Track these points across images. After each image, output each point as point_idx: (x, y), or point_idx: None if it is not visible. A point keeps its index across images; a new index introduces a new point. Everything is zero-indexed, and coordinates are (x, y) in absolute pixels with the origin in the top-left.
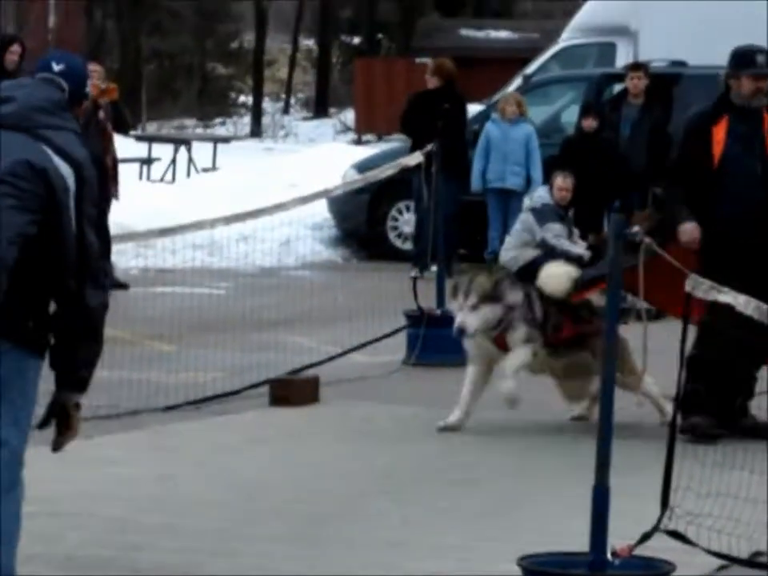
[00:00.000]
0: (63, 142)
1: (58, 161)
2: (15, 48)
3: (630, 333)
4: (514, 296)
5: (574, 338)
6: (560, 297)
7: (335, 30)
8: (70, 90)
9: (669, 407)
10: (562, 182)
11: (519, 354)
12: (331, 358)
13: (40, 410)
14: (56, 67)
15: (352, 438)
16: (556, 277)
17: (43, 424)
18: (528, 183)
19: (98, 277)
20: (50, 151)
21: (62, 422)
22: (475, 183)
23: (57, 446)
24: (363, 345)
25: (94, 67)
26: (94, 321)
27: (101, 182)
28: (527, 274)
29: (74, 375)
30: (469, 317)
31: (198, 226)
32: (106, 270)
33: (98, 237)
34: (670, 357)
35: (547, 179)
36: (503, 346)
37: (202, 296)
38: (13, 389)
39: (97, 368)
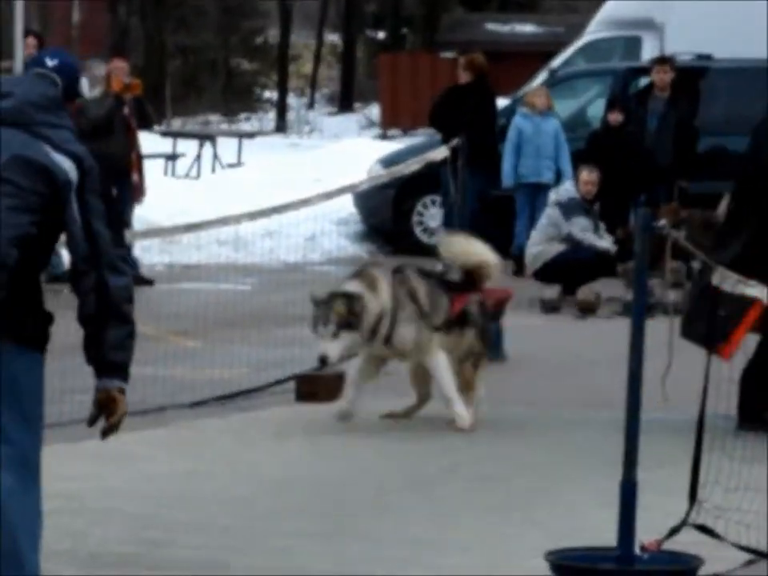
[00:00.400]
0: (61, 139)
1: (58, 156)
2: (30, 41)
3: (657, 327)
4: (374, 307)
5: (462, 313)
6: (462, 261)
7: (360, 25)
8: (64, 86)
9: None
10: (588, 176)
11: (443, 373)
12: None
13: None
14: (50, 63)
15: (377, 433)
16: (460, 243)
17: (92, 420)
18: (558, 177)
19: (115, 264)
20: (48, 148)
21: (108, 409)
22: (507, 179)
23: (105, 434)
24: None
25: (118, 63)
26: (116, 303)
27: (124, 178)
28: (553, 268)
29: (107, 359)
30: (330, 346)
31: (222, 221)
32: (125, 257)
33: (108, 227)
34: (696, 351)
35: (574, 172)
36: (389, 345)
37: (227, 292)
38: (20, 388)
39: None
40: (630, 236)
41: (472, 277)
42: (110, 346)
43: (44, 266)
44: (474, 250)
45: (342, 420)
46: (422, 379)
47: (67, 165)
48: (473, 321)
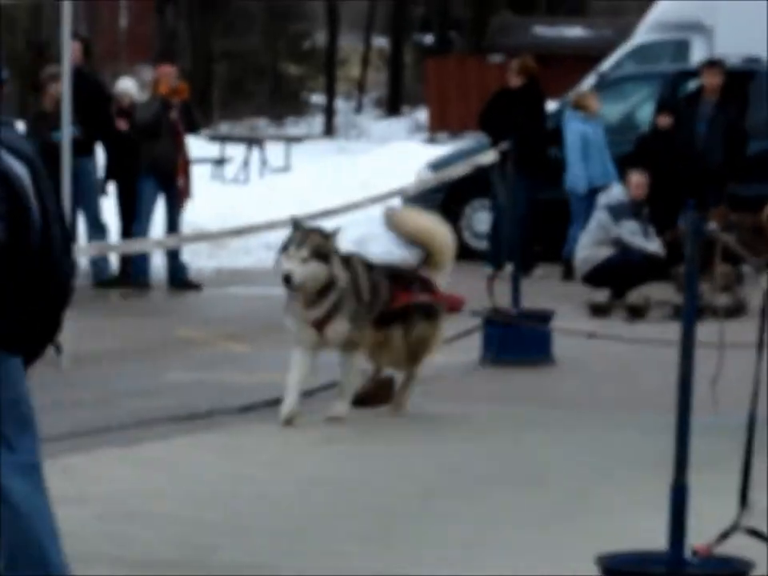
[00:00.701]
0: (10, 138)
1: (11, 161)
2: (75, 46)
3: (707, 331)
4: (339, 268)
5: (401, 309)
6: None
7: (407, 29)
8: None
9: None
10: (638, 179)
11: (354, 372)
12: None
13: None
14: None
15: (426, 437)
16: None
17: None
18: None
19: (58, 273)
20: (2, 151)
21: None
22: (581, 186)
23: None
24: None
25: (167, 68)
26: (52, 318)
27: (170, 181)
28: (602, 272)
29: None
30: (298, 267)
31: (270, 226)
32: (71, 264)
33: (61, 230)
34: (746, 354)
35: (622, 177)
36: (321, 329)
37: (275, 296)
38: (7, 392)
39: (172, 369)
40: (678, 239)
41: (424, 262)
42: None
43: (22, 271)
44: (424, 223)
45: (287, 424)
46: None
47: (21, 170)
48: (412, 320)
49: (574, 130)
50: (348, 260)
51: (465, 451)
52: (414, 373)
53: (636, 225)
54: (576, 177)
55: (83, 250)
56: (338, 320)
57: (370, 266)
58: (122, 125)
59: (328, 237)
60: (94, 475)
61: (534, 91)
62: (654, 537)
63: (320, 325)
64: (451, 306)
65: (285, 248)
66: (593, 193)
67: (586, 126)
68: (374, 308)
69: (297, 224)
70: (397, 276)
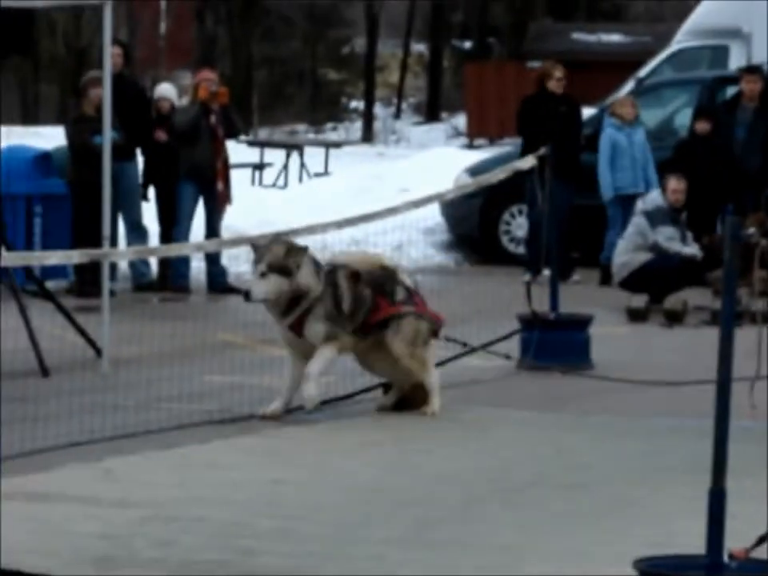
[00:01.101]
0: None
1: None
2: (115, 51)
3: (744, 336)
4: (308, 278)
5: (386, 318)
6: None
7: (446, 35)
8: None
9: (436, 404)
10: (676, 184)
11: (322, 357)
12: (444, 362)
13: None
14: None
15: (465, 441)
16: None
17: None
18: (647, 187)
19: None
20: None
21: None
22: (607, 193)
23: None
24: (476, 348)
25: (208, 74)
26: None
27: (210, 186)
28: (640, 277)
29: None
30: (257, 284)
31: (309, 230)
32: None
33: None
34: None
35: (660, 182)
36: (300, 333)
37: None
38: None
39: (211, 373)
40: (715, 244)
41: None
42: None
43: None
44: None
45: (265, 418)
46: (379, 365)
47: None
48: (394, 330)
49: (606, 136)
50: (333, 271)
51: (504, 456)
52: (426, 379)
53: (674, 230)
54: (603, 183)
55: (123, 254)
56: (312, 322)
57: (357, 278)
58: (161, 135)
59: (291, 250)
60: (135, 478)
61: (571, 97)
62: (692, 541)
63: (296, 328)
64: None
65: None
66: (629, 199)
67: (619, 132)
68: (355, 317)
69: (256, 245)
70: (382, 287)
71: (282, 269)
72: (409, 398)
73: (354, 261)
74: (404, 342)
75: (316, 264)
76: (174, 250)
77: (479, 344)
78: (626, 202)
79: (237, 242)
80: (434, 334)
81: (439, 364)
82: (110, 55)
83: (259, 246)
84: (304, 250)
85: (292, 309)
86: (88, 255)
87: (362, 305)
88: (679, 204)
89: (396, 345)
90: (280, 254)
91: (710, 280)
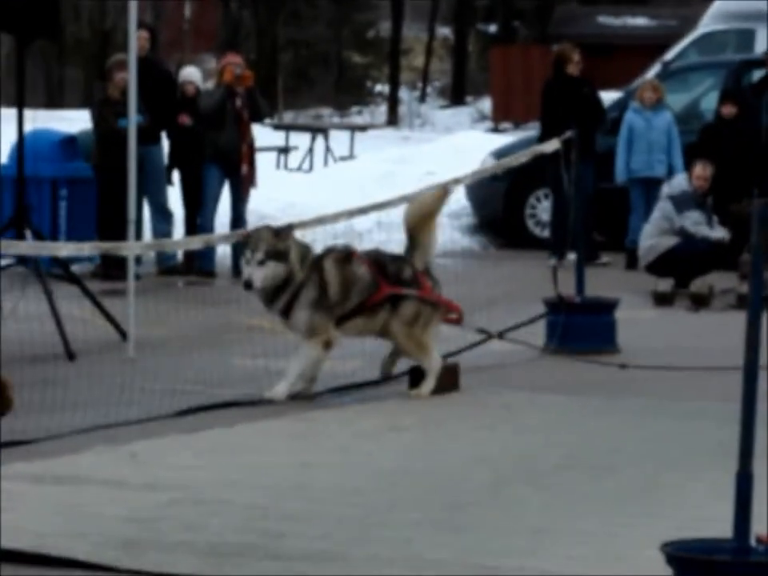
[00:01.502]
0: None
1: None
2: (141, 33)
3: None
4: (294, 262)
5: (387, 299)
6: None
7: (471, 18)
8: None
9: (428, 387)
10: (701, 170)
11: (305, 358)
12: (471, 346)
13: None
14: None
15: (492, 425)
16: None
17: None
18: (670, 171)
19: None
20: None
21: None
22: (620, 175)
23: None
24: (502, 332)
25: (233, 58)
26: None
27: (235, 169)
28: (666, 261)
29: None
30: (256, 271)
31: (334, 217)
32: None
33: None
34: None
35: (686, 166)
36: (289, 319)
37: None
38: None
39: (237, 356)
40: (744, 216)
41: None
42: None
43: None
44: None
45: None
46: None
47: None
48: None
49: (626, 120)
50: (321, 256)
51: (532, 439)
52: (424, 362)
53: (699, 215)
54: (618, 165)
55: (135, 247)
56: (296, 309)
57: (349, 260)
58: (185, 119)
59: (280, 235)
60: (162, 461)
61: (588, 79)
62: (719, 525)
63: (285, 314)
64: (448, 311)
65: (242, 253)
66: (650, 183)
67: (638, 116)
68: (346, 302)
69: (247, 235)
70: (384, 268)
71: (279, 254)
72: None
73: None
74: (401, 321)
75: (303, 247)
76: (182, 244)
77: (505, 328)
78: (647, 186)
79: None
80: (456, 321)
81: (466, 348)
82: (137, 38)
83: (250, 235)
84: (291, 230)
85: (278, 295)
86: (98, 248)
87: (355, 287)
88: (703, 190)
89: (393, 324)
90: (273, 239)
91: (738, 264)
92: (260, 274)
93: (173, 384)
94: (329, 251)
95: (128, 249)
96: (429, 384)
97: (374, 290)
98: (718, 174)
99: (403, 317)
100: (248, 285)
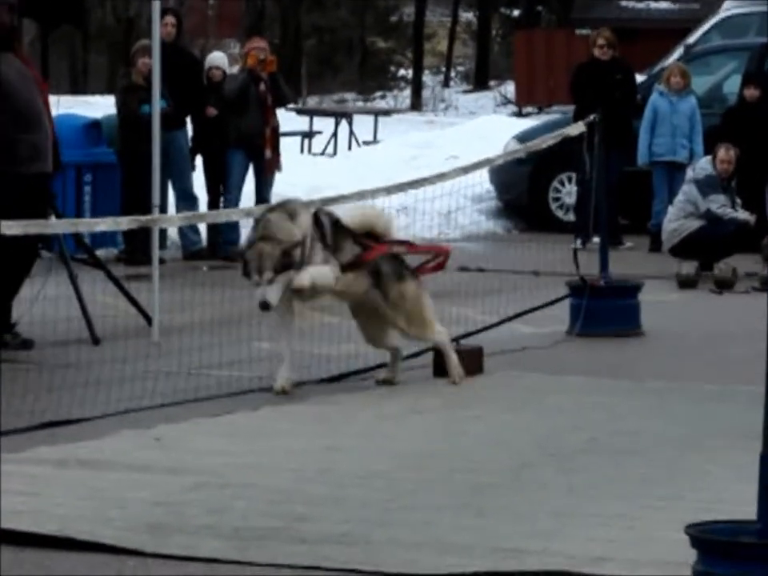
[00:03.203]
0: None
1: None
2: (168, 19)
3: None
4: (299, 233)
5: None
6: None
7: (494, 2)
8: None
9: (457, 368)
10: (725, 154)
11: (315, 271)
12: (492, 326)
13: None
14: None
15: (516, 408)
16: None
17: None
18: (690, 156)
19: None
20: None
21: None
22: (642, 157)
23: None
24: (524, 313)
25: (258, 43)
26: None
27: (261, 153)
28: (691, 245)
29: None
30: (269, 291)
31: (358, 196)
32: None
33: None
34: None
35: (709, 149)
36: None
37: None
38: None
39: (261, 340)
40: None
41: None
42: None
43: None
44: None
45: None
46: (378, 336)
47: None
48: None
49: (651, 102)
50: (316, 214)
51: (556, 422)
52: (431, 338)
53: (724, 198)
54: (640, 148)
55: (171, 219)
56: (309, 263)
57: (337, 223)
58: (212, 111)
59: (282, 242)
60: (187, 445)
61: (623, 64)
62: (743, 507)
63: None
64: (437, 256)
65: (248, 274)
66: (672, 166)
67: (663, 99)
68: (341, 255)
69: (245, 249)
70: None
71: (287, 264)
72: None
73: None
74: (402, 315)
75: (293, 212)
76: (223, 215)
77: (526, 310)
78: (669, 170)
79: None
80: (440, 266)
81: (486, 328)
82: (164, 24)
83: (257, 253)
84: (296, 246)
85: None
86: (137, 222)
87: (348, 242)
88: (727, 174)
89: (393, 316)
90: (280, 256)
91: (763, 246)
92: (274, 293)
93: (197, 368)
94: (321, 211)
95: (166, 221)
96: (454, 362)
97: (365, 250)
98: (741, 156)
99: (397, 302)
100: (265, 307)
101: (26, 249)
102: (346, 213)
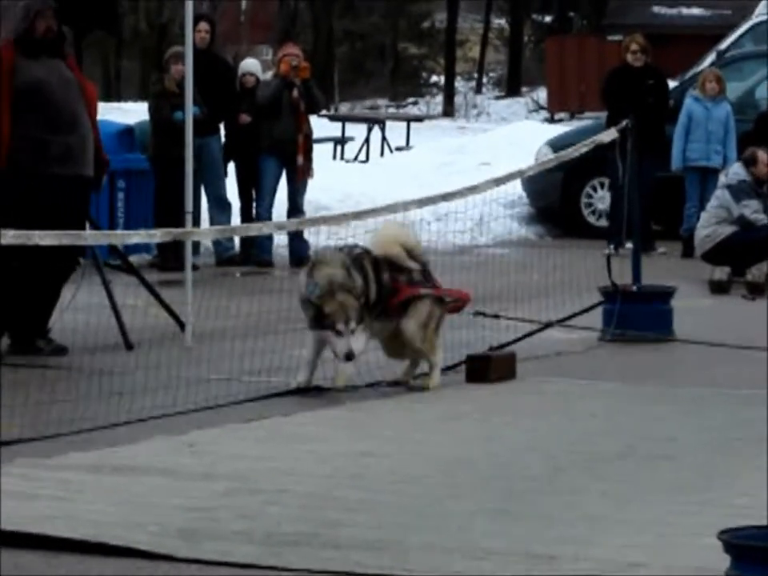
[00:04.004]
0: None
1: None
2: (202, 26)
3: None
4: (361, 286)
5: (405, 301)
6: (389, 257)
7: (527, 9)
8: None
9: (436, 379)
10: (765, 158)
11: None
12: (528, 334)
13: None
14: None
15: (549, 413)
16: (385, 238)
17: None
18: (724, 162)
19: None
20: None
21: None
22: (676, 161)
23: None
24: (559, 321)
25: (292, 49)
26: None
27: (294, 160)
28: (723, 250)
29: None
30: (354, 342)
31: (390, 209)
32: None
33: None
34: None
35: (742, 154)
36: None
37: None
38: None
39: (293, 346)
40: None
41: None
42: None
43: None
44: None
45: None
46: (399, 350)
47: None
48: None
49: (686, 107)
50: (358, 258)
51: (589, 427)
52: (431, 359)
53: (758, 203)
54: (674, 152)
55: (204, 233)
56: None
57: (377, 263)
58: (245, 118)
59: (355, 289)
60: (220, 451)
61: (655, 70)
62: None
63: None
64: (457, 300)
65: (319, 319)
66: (705, 172)
67: (698, 104)
68: (378, 304)
69: (319, 299)
70: (399, 267)
71: (363, 315)
72: (480, 370)
73: (376, 244)
74: (417, 325)
75: (352, 264)
76: (254, 229)
77: (562, 317)
78: (702, 175)
79: (316, 221)
80: (457, 309)
81: (522, 337)
82: (198, 31)
83: (338, 304)
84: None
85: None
86: (170, 234)
87: (384, 286)
88: (762, 178)
89: (410, 329)
90: (359, 305)
91: None
92: (360, 344)
93: (230, 373)
94: (362, 254)
95: (199, 235)
96: (437, 375)
97: (393, 291)
98: None
99: (419, 319)
100: (350, 357)
101: (65, 256)
102: (374, 240)
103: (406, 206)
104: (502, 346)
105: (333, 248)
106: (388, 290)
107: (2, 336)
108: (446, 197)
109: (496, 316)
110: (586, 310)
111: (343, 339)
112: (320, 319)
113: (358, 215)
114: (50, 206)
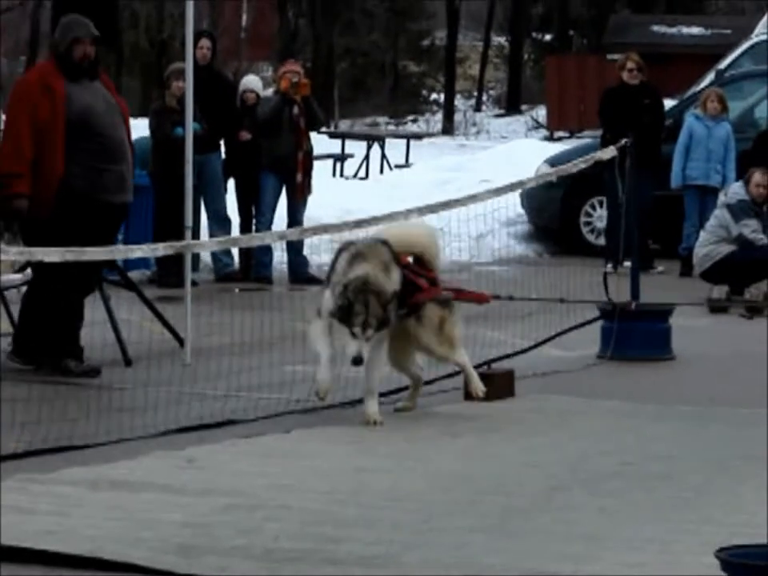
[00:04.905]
0: None
1: None
2: (203, 43)
3: None
4: (392, 293)
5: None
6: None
7: (527, 27)
8: None
9: (477, 382)
10: (761, 178)
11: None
12: (525, 351)
13: None
14: None
15: (547, 431)
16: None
17: None
18: (723, 181)
19: None
20: None
21: None
22: (676, 179)
23: None
24: (554, 336)
25: (292, 67)
26: None
27: (290, 176)
28: (722, 269)
29: None
30: (365, 348)
31: (390, 218)
32: None
33: None
34: None
35: (741, 174)
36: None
37: None
38: None
39: (293, 363)
40: None
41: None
42: None
43: None
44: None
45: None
46: (403, 360)
47: None
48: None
49: (687, 125)
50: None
51: (587, 445)
52: (453, 358)
53: (757, 223)
54: (674, 170)
55: (205, 245)
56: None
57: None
58: (245, 135)
59: (382, 294)
60: (218, 467)
61: (651, 88)
62: None
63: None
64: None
65: (350, 318)
66: (704, 190)
67: (699, 123)
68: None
69: (348, 302)
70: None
71: (385, 322)
72: (485, 389)
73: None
74: (431, 331)
75: (383, 262)
76: (257, 239)
77: (557, 333)
78: (701, 194)
79: (318, 230)
80: (479, 300)
81: (519, 353)
82: (199, 47)
83: (364, 307)
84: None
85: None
86: (172, 248)
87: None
88: (762, 198)
89: (424, 336)
90: (384, 313)
91: None
92: (373, 352)
93: (229, 389)
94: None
95: (200, 247)
96: (475, 381)
97: (413, 289)
98: None
99: (431, 324)
100: (357, 362)
101: (87, 274)
102: (394, 233)
103: (406, 215)
104: (498, 360)
105: (377, 240)
106: (412, 286)
107: (41, 357)
108: (446, 206)
109: (510, 298)
110: (580, 326)
111: (356, 342)
112: (345, 311)
113: (359, 224)
114: (98, 233)
